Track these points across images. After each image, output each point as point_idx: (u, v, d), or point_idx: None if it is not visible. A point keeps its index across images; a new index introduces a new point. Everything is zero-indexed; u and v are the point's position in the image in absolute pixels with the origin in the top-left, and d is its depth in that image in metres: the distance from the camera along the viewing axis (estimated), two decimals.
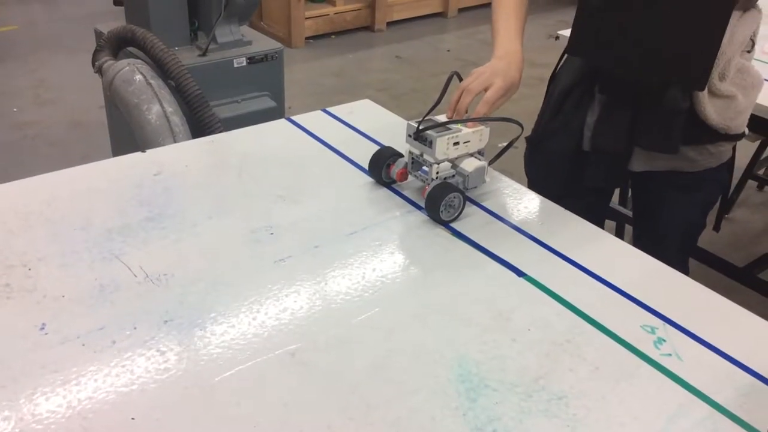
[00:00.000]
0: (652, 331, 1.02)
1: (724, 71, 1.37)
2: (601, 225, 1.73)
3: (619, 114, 1.41)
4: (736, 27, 1.34)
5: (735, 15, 1.33)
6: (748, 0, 1.36)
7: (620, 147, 1.43)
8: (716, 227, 2.84)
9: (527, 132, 1.58)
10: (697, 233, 1.66)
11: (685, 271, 1.66)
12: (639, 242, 1.71)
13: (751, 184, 3.19)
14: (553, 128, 1.53)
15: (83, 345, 0.94)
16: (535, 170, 1.64)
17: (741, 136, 1.48)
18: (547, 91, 1.60)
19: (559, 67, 1.58)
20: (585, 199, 1.58)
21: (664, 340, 1.01)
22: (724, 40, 1.30)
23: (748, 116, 1.48)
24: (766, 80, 1.57)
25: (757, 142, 2.80)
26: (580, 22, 1.38)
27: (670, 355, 0.98)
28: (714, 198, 1.62)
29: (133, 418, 0.84)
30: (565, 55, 1.56)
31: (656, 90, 1.35)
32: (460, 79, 1.33)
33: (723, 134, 1.43)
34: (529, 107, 1.42)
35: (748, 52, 1.45)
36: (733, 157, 1.58)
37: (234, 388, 0.89)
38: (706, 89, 1.35)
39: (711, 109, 1.37)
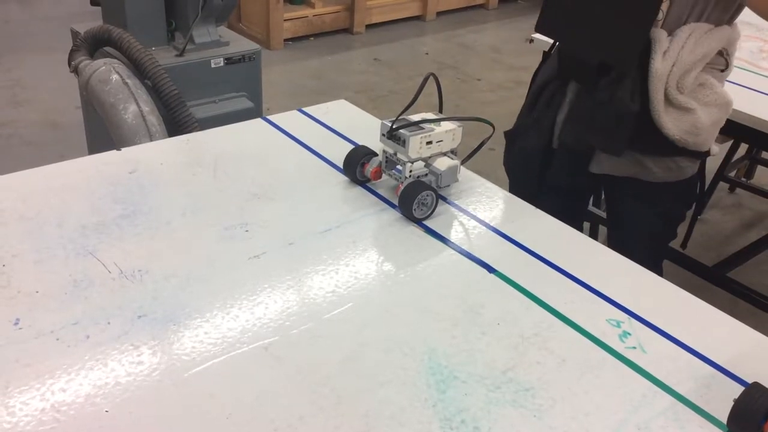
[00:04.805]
0: (618, 324, 1.05)
1: (681, 82, 1.36)
2: (578, 225, 1.76)
3: (581, 112, 1.44)
4: (702, 39, 1.34)
5: (703, 27, 1.34)
6: (722, 15, 1.37)
7: (582, 145, 1.46)
8: (683, 244, 2.74)
9: (506, 127, 1.61)
10: (662, 243, 1.66)
11: (658, 273, 1.69)
12: (611, 244, 1.74)
13: (723, 186, 3.26)
14: (527, 125, 1.56)
15: (57, 339, 0.95)
16: (510, 164, 1.68)
17: (705, 155, 1.47)
18: (529, 89, 1.63)
19: (539, 65, 1.61)
20: (562, 198, 1.61)
21: (629, 334, 1.03)
22: (684, 50, 1.32)
23: (714, 136, 1.46)
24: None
25: (728, 145, 2.85)
26: (545, 3, 1.51)
27: (634, 348, 1.01)
28: (676, 213, 1.60)
29: (106, 411, 0.85)
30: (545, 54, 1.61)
31: (594, 73, 1.41)
32: (437, 81, 1.35)
33: (682, 149, 1.42)
34: (504, 109, 1.45)
35: (722, 71, 1.43)
36: (700, 175, 1.57)
37: (207, 382, 0.90)
38: (663, 97, 1.36)
39: (666, 119, 1.38)
